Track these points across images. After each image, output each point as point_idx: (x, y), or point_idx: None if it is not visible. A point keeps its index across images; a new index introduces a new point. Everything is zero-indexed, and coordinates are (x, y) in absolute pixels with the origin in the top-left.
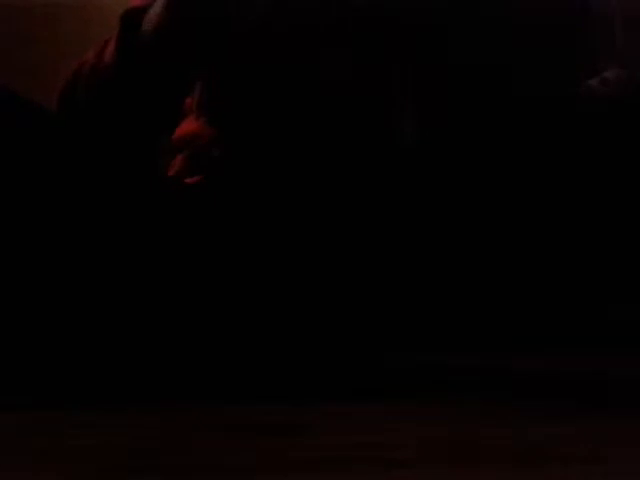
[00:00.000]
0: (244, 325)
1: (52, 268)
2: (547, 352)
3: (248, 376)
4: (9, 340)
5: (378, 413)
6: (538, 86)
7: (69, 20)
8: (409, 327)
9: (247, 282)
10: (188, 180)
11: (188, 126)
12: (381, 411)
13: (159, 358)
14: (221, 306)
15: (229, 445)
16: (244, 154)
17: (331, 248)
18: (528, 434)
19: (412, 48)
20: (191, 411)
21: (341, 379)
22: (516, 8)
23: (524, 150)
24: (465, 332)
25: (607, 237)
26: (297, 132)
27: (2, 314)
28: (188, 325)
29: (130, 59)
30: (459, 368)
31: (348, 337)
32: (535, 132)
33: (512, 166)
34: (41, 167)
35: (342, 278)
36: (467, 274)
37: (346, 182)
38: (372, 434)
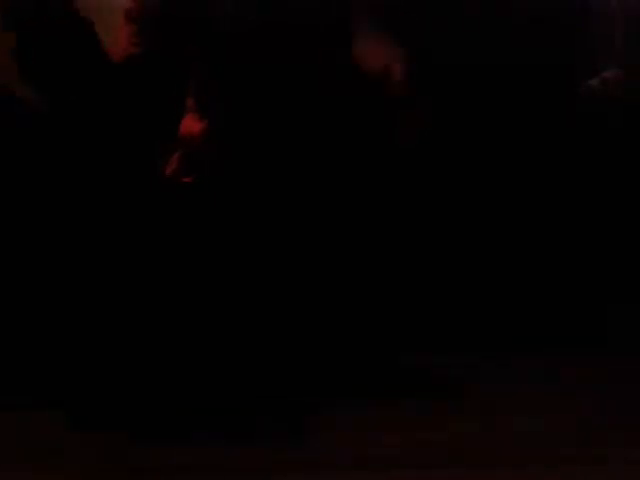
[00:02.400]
0: (244, 326)
1: (51, 269)
2: (547, 352)
3: (249, 376)
4: (9, 340)
5: (378, 413)
6: (538, 86)
7: None
8: (410, 328)
9: (245, 282)
10: (184, 179)
11: (185, 126)
12: (381, 411)
13: (159, 358)
14: (220, 306)
15: (229, 445)
16: (240, 154)
17: (328, 248)
18: (528, 434)
19: (412, 48)
20: (192, 411)
21: (342, 379)
22: (516, 8)
23: (524, 150)
24: (465, 332)
25: (607, 237)
26: (295, 132)
27: (2, 315)
28: (188, 324)
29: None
30: (459, 368)
31: (348, 338)
32: (535, 132)
33: (512, 166)
34: (39, 166)
35: (341, 279)
36: (467, 274)
37: (345, 181)
38: (372, 434)
